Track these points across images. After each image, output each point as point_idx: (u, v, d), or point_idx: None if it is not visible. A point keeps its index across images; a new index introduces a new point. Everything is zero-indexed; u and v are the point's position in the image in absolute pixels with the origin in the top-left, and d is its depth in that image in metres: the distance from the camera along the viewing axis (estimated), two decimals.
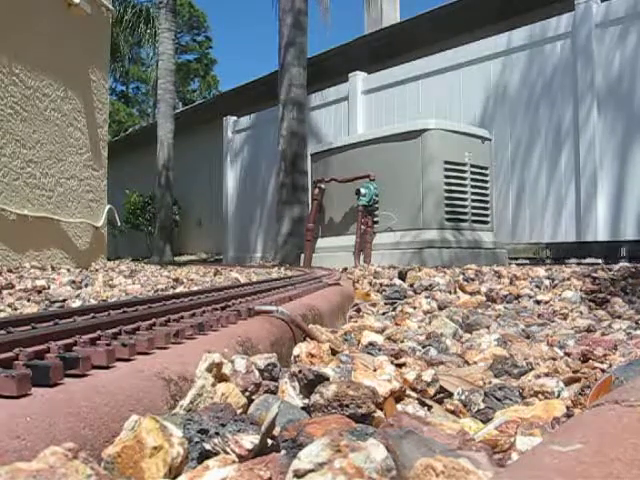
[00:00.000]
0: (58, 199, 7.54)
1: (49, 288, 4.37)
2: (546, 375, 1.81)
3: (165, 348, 1.61)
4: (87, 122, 8.21)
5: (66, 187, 7.71)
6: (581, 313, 3.55)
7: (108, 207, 8.67)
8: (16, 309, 3.44)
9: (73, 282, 4.89)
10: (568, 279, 5.24)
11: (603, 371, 1.82)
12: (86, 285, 4.87)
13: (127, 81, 44.84)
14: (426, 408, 1.51)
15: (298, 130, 13.50)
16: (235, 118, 19.16)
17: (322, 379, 1.47)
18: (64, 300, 3.80)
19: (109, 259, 8.79)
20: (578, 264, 9.01)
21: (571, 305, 3.87)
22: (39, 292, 4.18)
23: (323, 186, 10.48)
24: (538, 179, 11.13)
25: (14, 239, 6.71)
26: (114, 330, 1.63)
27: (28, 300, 3.80)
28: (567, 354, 2.15)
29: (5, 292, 4.18)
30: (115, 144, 21.62)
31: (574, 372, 1.84)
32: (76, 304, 3.60)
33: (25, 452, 0.88)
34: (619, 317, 3.30)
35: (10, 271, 5.85)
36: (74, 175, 7.89)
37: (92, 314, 1.89)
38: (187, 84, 44.53)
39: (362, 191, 9.36)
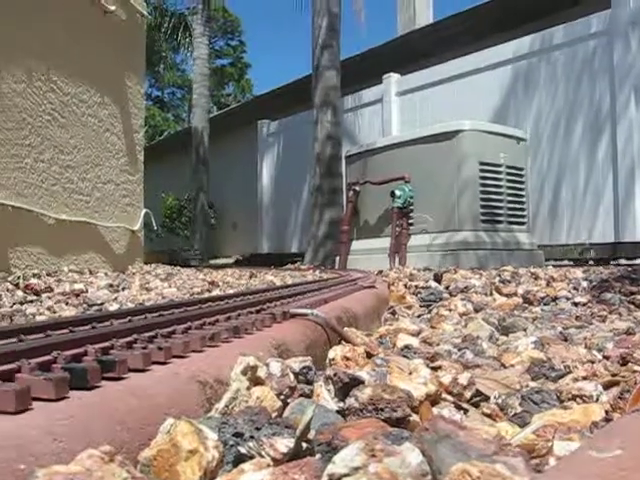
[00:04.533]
0: (95, 203, 7.63)
1: (87, 292, 4.43)
2: (584, 379, 1.78)
3: (201, 351, 1.62)
4: (123, 127, 8.30)
5: (103, 192, 7.80)
6: (620, 315, 3.50)
7: (144, 211, 8.75)
8: (55, 312, 3.49)
9: (110, 286, 4.95)
10: (606, 280, 5.16)
11: None
12: (123, 289, 4.92)
13: (162, 86, 45.30)
14: (462, 412, 1.50)
15: (333, 133, 13.51)
16: (269, 121, 19.25)
17: (357, 382, 1.47)
18: (101, 303, 3.85)
19: (145, 263, 8.88)
20: (617, 265, 8.88)
21: (610, 307, 3.82)
22: (77, 295, 4.23)
23: (358, 188, 10.46)
24: (576, 179, 11.01)
25: (53, 243, 6.80)
26: (150, 333, 1.64)
27: (66, 303, 3.85)
28: (606, 357, 2.11)
29: (44, 295, 4.25)
30: (151, 148, 21.82)
31: (613, 375, 1.81)
32: (113, 307, 3.65)
33: (63, 455, 0.89)
34: None
35: (49, 275, 5.94)
36: (111, 180, 7.98)
37: (129, 317, 1.91)
38: (222, 88, 44.81)
39: (397, 193, 9.33)
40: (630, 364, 1.96)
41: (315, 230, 13.50)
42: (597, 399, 1.56)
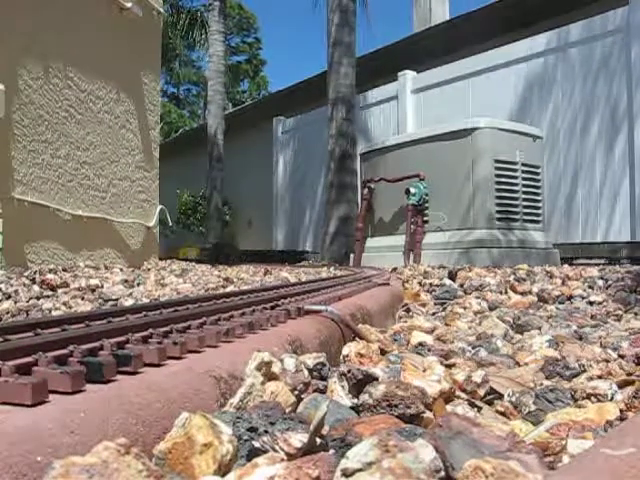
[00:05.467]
0: (111, 200, 7.67)
1: (102, 287, 4.45)
2: (599, 377, 1.77)
3: (215, 346, 1.62)
4: (139, 124, 8.34)
5: (119, 188, 7.84)
6: (636, 314, 3.48)
7: (160, 207, 8.79)
8: (71, 307, 3.51)
9: (126, 281, 4.98)
10: (622, 279, 5.13)
11: None
12: (138, 284, 4.94)
13: (178, 83, 45.42)
14: (476, 409, 1.50)
15: (347, 130, 13.49)
16: (285, 118, 19.26)
17: (371, 379, 1.47)
18: (117, 299, 3.87)
19: (160, 259, 8.91)
20: (632, 264, 8.82)
21: (625, 306, 3.80)
22: (93, 291, 4.26)
23: (373, 186, 10.46)
24: (592, 177, 10.95)
25: (69, 239, 6.85)
26: (165, 328, 1.65)
27: (82, 299, 3.88)
28: (621, 356, 2.10)
29: (60, 291, 4.28)
30: (166, 145, 21.88)
31: (628, 375, 1.80)
32: (128, 303, 3.66)
33: (79, 447, 0.89)
34: None
35: (65, 270, 5.97)
36: (127, 176, 8.02)
37: (144, 313, 1.92)
38: (237, 85, 44.87)
39: (412, 190, 9.31)
40: None
41: (328, 227, 13.48)
42: (612, 398, 1.56)
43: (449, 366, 1.85)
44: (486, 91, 12.76)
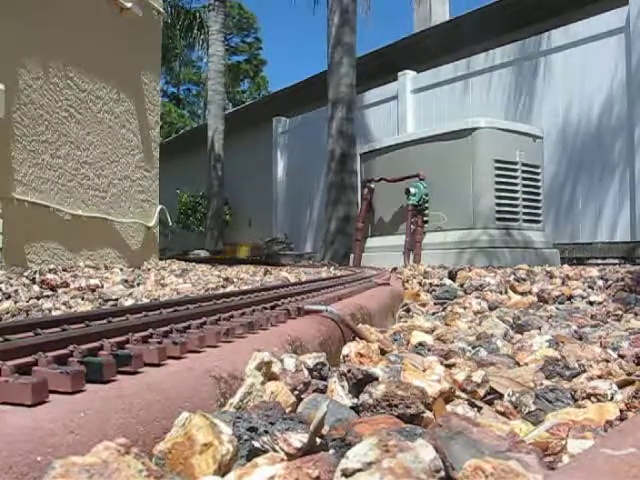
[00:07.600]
0: (111, 200, 7.66)
1: (102, 287, 4.45)
2: (599, 377, 1.77)
3: (215, 346, 1.62)
4: (139, 124, 8.33)
5: (119, 188, 7.83)
6: (635, 314, 3.48)
7: (160, 207, 8.78)
8: (70, 307, 3.51)
9: (126, 281, 4.97)
10: (622, 279, 5.13)
11: None
12: (138, 284, 4.94)
13: (178, 83, 45.45)
14: (476, 409, 1.50)
15: (347, 129, 13.48)
16: (285, 119, 19.25)
17: (371, 379, 1.47)
18: (117, 299, 3.87)
19: (160, 259, 8.91)
20: (633, 264, 8.82)
21: (625, 306, 3.79)
22: (93, 291, 4.26)
23: (372, 186, 10.45)
24: (592, 178, 10.94)
25: (69, 239, 6.84)
26: (165, 328, 1.65)
27: (82, 298, 3.88)
28: (621, 356, 2.10)
29: (60, 290, 4.27)
30: (166, 145, 21.88)
31: (628, 375, 1.80)
32: (128, 303, 3.66)
33: (79, 447, 0.89)
34: None
35: (65, 270, 5.97)
36: (127, 176, 8.01)
37: (144, 312, 1.92)
38: (237, 85, 44.87)
39: (412, 190, 9.31)
40: None
41: (329, 227, 13.49)
42: (612, 398, 1.56)
43: (449, 366, 1.85)
44: (487, 91, 12.76)
